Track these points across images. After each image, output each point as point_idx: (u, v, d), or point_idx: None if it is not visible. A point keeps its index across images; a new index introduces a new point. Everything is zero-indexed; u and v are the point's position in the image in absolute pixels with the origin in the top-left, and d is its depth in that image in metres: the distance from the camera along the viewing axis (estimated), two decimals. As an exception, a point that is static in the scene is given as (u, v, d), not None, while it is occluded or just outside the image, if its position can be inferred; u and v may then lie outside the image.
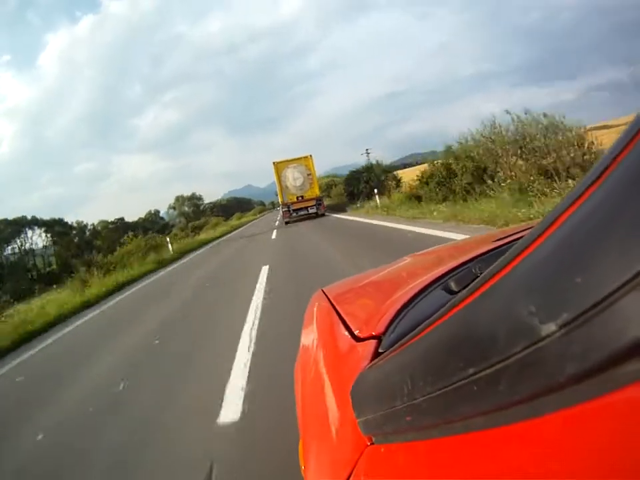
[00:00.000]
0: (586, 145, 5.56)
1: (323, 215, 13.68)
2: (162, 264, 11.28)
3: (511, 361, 0.17)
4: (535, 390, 0.17)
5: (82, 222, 42.31)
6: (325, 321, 0.68)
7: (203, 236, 20.75)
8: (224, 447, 1.47)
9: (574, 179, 5.06)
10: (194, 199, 65.80)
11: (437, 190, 8.52)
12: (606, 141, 5.52)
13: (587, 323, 0.14)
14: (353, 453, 0.34)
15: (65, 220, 39.95)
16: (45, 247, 36.48)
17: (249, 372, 2.08)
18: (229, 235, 20.17)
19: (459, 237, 3.90)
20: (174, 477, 1.42)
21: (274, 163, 14.57)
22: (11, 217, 36.28)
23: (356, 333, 0.52)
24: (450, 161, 8.32)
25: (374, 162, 17.01)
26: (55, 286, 13.24)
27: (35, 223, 36.65)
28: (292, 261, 5.84)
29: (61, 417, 2.23)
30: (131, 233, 16.40)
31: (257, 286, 4.29)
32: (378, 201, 11.75)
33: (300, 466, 0.49)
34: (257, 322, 2.98)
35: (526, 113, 6.56)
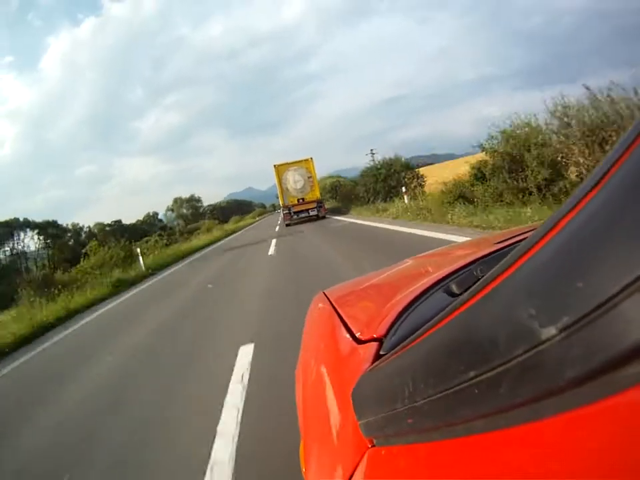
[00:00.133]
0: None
1: (324, 217, 13.68)
2: (122, 286, 8.15)
3: (512, 364, 0.17)
4: (535, 393, 0.17)
5: (77, 224, 41.61)
6: (327, 323, 0.68)
7: (183, 246, 16.28)
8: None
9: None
10: (192, 201, 65.21)
11: (503, 187, 6.19)
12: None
13: (587, 327, 0.14)
14: (354, 455, 0.34)
15: (59, 222, 39.24)
16: (37, 249, 35.66)
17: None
18: (220, 243, 16.69)
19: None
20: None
21: (275, 165, 14.61)
22: (3, 218, 35.55)
23: (357, 335, 0.52)
24: (510, 149, 6.09)
25: (392, 156, 13.87)
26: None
27: (27, 225, 35.97)
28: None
29: None
30: (93, 243, 13.75)
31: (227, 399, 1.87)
32: (407, 201, 9.28)
33: (301, 468, 0.49)
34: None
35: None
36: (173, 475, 1.47)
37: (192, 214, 62.48)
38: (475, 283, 0.25)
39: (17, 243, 35.44)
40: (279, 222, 18.58)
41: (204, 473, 1.38)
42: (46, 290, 7.84)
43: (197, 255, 12.74)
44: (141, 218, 53.09)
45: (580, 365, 0.15)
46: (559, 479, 0.16)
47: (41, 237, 36.54)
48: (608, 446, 0.15)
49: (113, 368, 3.01)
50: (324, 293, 0.85)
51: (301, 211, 14.05)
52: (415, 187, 11.44)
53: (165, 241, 19.34)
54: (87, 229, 41.83)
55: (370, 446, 0.33)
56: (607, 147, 4.81)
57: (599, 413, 0.15)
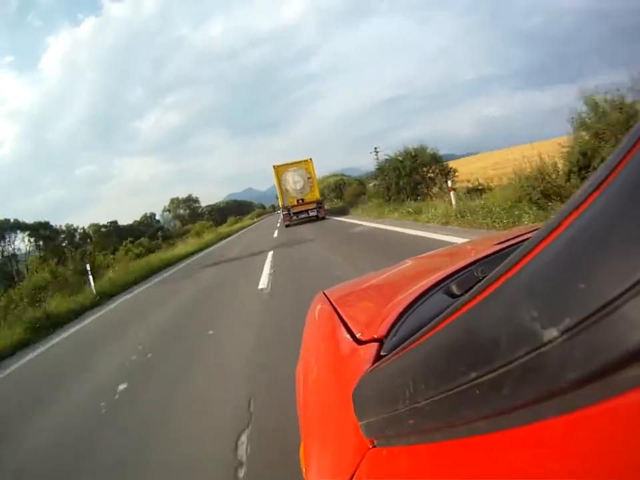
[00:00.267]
0: None
1: (324, 218, 13.64)
2: (43, 328, 5.32)
3: (514, 366, 0.17)
4: (537, 394, 0.17)
5: (71, 225, 40.25)
6: (327, 323, 0.68)
7: (162, 256, 12.98)
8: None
9: None
10: (190, 202, 64.16)
11: None
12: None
13: (589, 329, 0.14)
14: (355, 456, 0.34)
15: (51, 223, 37.74)
16: (27, 252, 33.96)
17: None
18: (207, 251, 13.82)
19: None
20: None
21: (274, 166, 14.54)
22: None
23: (358, 335, 0.52)
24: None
25: (417, 146, 10.74)
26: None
27: (17, 226, 34.67)
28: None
29: None
30: (32, 258, 11.54)
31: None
32: (454, 201, 6.71)
33: (301, 468, 0.49)
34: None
35: None
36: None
37: (189, 214, 61.51)
38: (475, 284, 0.25)
39: (8, 245, 34.31)
40: (278, 224, 17.36)
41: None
42: None
43: (169, 272, 9.40)
44: (138, 219, 52.21)
45: (581, 367, 0.15)
46: (560, 479, 0.16)
47: (32, 239, 35.37)
48: (609, 447, 0.15)
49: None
50: (324, 293, 0.84)
51: (301, 212, 14.01)
52: (441, 184, 9.41)
53: (140, 249, 16.46)
54: (82, 230, 40.72)
55: (371, 447, 0.33)
56: None
57: (600, 415, 0.15)
